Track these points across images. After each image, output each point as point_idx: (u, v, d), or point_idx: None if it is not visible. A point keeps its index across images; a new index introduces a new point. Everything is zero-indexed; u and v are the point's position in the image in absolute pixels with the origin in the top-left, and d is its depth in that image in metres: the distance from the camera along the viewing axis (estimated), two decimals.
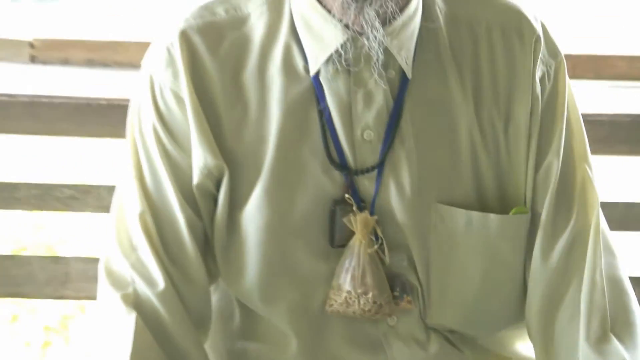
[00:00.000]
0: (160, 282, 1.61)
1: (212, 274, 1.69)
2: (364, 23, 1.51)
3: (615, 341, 1.60)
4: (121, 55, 2.88)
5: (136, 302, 1.61)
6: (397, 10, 1.55)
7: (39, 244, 4.34)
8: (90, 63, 2.88)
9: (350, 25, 1.55)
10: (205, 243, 1.66)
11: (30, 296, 3.26)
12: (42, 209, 4.00)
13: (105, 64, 2.90)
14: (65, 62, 2.93)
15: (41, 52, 2.94)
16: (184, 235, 1.63)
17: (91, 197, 2.85)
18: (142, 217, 1.64)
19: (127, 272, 1.64)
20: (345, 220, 1.61)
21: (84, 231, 4.39)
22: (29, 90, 2.85)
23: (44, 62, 2.88)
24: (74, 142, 4.73)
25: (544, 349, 1.67)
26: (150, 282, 1.61)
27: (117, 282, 1.65)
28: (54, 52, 2.94)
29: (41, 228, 4.46)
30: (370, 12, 1.51)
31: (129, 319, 1.59)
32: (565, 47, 1.75)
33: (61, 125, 2.89)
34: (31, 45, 2.97)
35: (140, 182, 1.65)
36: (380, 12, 1.51)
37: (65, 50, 2.97)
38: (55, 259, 3.42)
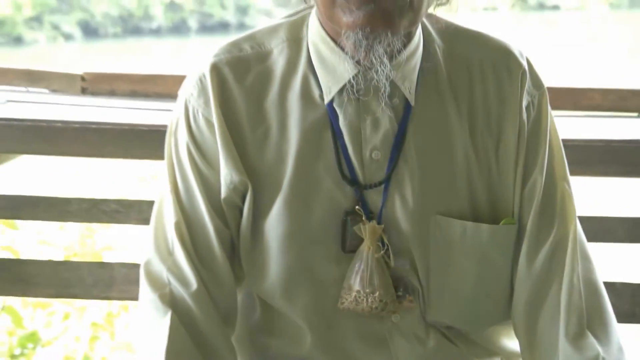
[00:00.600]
0: (193, 283, 1.62)
1: (238, 276, 1.70)
2: (373, 59, 1.52)
3: (590, 337, 1.60)
4: (160, 86, 2.87)
5: (172, 301, 1.62)
6: (402, 47, 1.56)
7: (87, 252, 4.34)
8: (133, 94, 2.88)
9: (361, 60, 1.55)
10: (232, 249, 1.68)
11: (80, 297, 3.26)
12: (90, 221, 3.99)
13: (146, 95, 2.90)
14: (112, 93, 2.93)
15: (91, 84, 2.94)
16: (214, 242, 1.64)
17: (133, 211, 2.85)
18: (177, 226, 1.65)
19: (164, 274, 1.65)
20: (355, 228, 1.62)
21: (127, 240, 4.39)
22: (80, 118, 2.83)
23: (93, 93, 2.88)
24: (118, 163, 4.73)
25: (528, 343, 1.68)
26: (184, 283, 1.63)
27: (155, 283, 1.66)
28: (102, 84, 2.95)
29: (89, 237, 4.45)
30: (379, 50, 1.51)
31: (166, 316, 1.61)
32: (547, 80, 1.75)
33: (108, 148, 2.89)
34: (82, 78, 2.98)
35: (175, 196, 1.67)
36: (387, 49, 1.52)
37: (111, 83, 2.98)
38: (102, 265, 3.41)
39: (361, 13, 1.48)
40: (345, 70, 1.58)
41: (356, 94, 1.59)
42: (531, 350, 1.67)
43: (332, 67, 1.59)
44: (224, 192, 1.64)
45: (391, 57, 1.55)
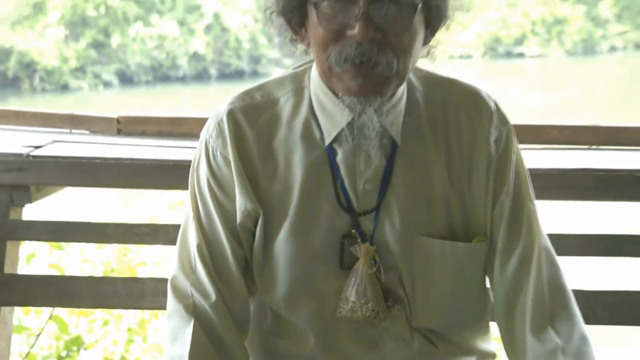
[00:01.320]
0: (212, 296, 1.64)
1: (251, 289, 1.71)
2: (365, 117, 1.54)
3: (551, 331, 1.63)
4: (184, 127, 2.89)
5: (194, 311, 1.64)
6: (390, 99, 1.57)
7: (122, 268, 4.33)
8: (161, 134, 2.89)
9: (355, 118, 1.57)
10: (246, 266, 1.68)
11: (116, 307, 3.28)
12: (125, 242, 3.99)
13: (172, 134, 2.91)
14: (143, 133, 2.94)
15: (125, 126, 2.95)
16: (230, 261, 1.65)
17: (161, 233, 2.85)
18: (199, 247, 1.66)
19: (187, 288, 1.66)
20: (351, 249, 1.64)
21: (156, 258, 4.39)
22: (116, 155, 2.83)
23: (127, 133, 2.89)
24: (148, 192, 4.72)
25: (508, 340, 1.70)
26: (205, 295, 1.64)
27: (180, 295, 1.67)
28: (134, 126, 2.95)
29: (124, 255, 4.45)
30: (370, 110, 1.55)
31: (190, 324, 1.62)
32: (512, 117, 1.76)
33: (139, 180, 2.90)
34: (118, 121, 2.99)
35: (198, 221, 1.68)
36: (377, 108, 1.54)
37: (142, 124, 2.98)
38: (135, 279, 3.41)
39: (354, 84, 1.50)
40: (342, 116, 1.59)
41: (352, 137, 1.60)
42: (511, 346, 1.69)
43: (331, 113, 1.61)
44: (239, 218, 1.65)
45: (380, 109, 1.57)
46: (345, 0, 1.48)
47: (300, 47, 1.63)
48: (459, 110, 1.68)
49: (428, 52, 1.63)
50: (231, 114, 1.67)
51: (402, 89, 1.64)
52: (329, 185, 1.64)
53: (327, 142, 1.63)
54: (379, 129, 1.59)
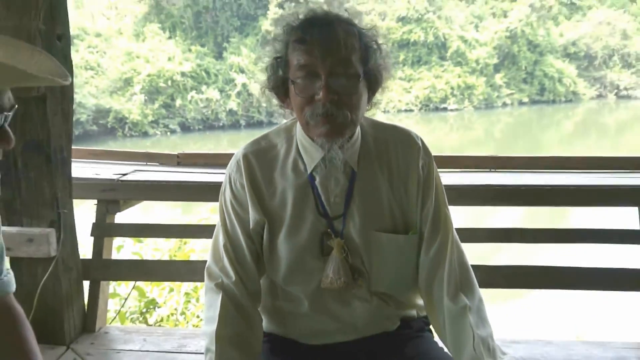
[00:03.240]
0: (233, 277, 1.63)
1: (261, 272, 1.69)
2: (332, 152, 1.55)
3: (462, 295, 1.60)
4: (222, 160, 2.90)
5: (222, 287, 1.63)
6: (349, 139, 1.57)
7: (181, 254, 4.32)
8: (207, 165, 2.92)
9: (325, 153, 1.56)
10: (257, 256, 1.66)
11: (177, 280, 3.26)
12: (183, 237, 3.97)
13: (214, 165, 2.93)
14: (194, 164, 2.97)
15: (182, 160, 2.95)
16: (246, 254, 1.64)
17: (206, 230, 2.84)
18: (225, 245, 1.66)
19: (217, 272, 1.65)
20: (328, 242, 1.61)
21: (205, 247, 4.36)
22: (176, 179, 2.83)
23: (184, 165, 2.91)
24: (199, 204, 4.71)
25: (427, 301, 1.67)
26: (228, 277, 1.63)
27: (212, 277, 1.67)
28: (189, 159, 2.97)
29: (184, 244, 4.44)
30: (335, 147, 1.54)
31: (219, 295, 1.62)
32: (435, 149, 1.75)
33: (192, 196, 2.90)
34: (177, 156, 3.00)
35: (224, 227, 1.67)
36: (340, 145, 1.54)
37: (194, 159, 2.99)
38: (189, 262, 3.40)
39: (323, 129, 1.50)
40: (317, 153, 1.58)
41: (324, 166, 1.59)
42: (430, 306, 1.66)
43: (310, 152, 1.59)
44: (252, 225, 1.64)
45: (342, 147, 1.56)
46: (312, 77, 1.47)
47: (287, 110, 1.62)
48: (397, 146, 1.65)
49: (372, 106, 1.61)
50: (245, 156, 1.65)
51: (357, 132, 1.62)
52: (311, 200, 1.62)
53: (309, 171, 1.61)
54: (342, 160, 1.58)
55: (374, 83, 1.54)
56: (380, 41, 1.54)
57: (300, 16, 1.51)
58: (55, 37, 2.41)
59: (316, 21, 1.48)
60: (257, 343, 1.64)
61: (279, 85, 1.56)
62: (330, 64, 1.45)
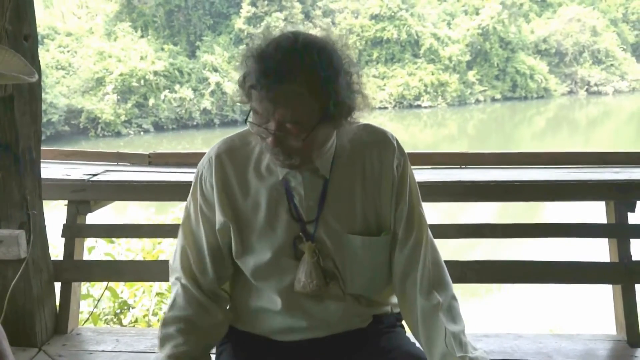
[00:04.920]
0: (188, 276, 1.67)
1: (224, 270, 1.70)
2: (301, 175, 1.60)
3: (435, 293, 1.61)
4: (193, 159, 2.89)
5: (179, 282, 1.67)
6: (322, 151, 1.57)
7: (154, 254, 4.30)
8: (178, 164, 2.89)
9: None
10: (220, 255, 1.67)
11: (150, 280, 3.24)
12: (156, 237, 3.95)
13: (186, 164, 2.91)
14: (166, 164, 2.94)
15: (154, 159, 2.92)
16: (205, 253, 1.67)
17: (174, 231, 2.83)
18: (184, 244, 1.68)
19: (178, 268, 1.68)
20: (300, 246, 1.62)
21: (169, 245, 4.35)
22: (147, 179, 2.81)
23: (155, 164, 2.89)
24: (171, 203, 4.68)
25: (401, 299, 1.67)
26: (184, 275, 1.67)
27: (172, 273, 1.71)
28: (160, 159, 2.94)
29: (158, 244, 4.42)
30: (303, 171, 1.59)
31: (175, 287, 1.68)
32: (409, 147, 1.75)
33: (163, 195, 2.88)
34: (149, 156, 2.97)
35: (187, 225, 1.69)
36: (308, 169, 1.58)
37: (165, 158, 2.97)
38: (162, 261, 3.38)
39: (279, 163, 1.55)
40: None
41: (297, 173, 1.59)
42: (403, 304, 1.67)
43: None
44: (218, 225, 1.63)
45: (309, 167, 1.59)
46: (264, 121, 1.45)
47: None
48: (372, 146, 1.64)
49: (342, 125, 1.55)
50: (218, 157, 1.64)
51: (333, 139, 1.61)
52: (285, 203, 1.61)
53: (281, 176, 1.61)
54: (314, 170, 1.59)
55: (340, 116, 1.50)
56: (352, 65, 1.50)
57: (266, 50, 1.44)
58: (22, 37, 2.38)
59: (270, 74, 1.40)
60: (210, 332, 1.67)
61: (247, 102, 1.52)
62: (278, 120, 1.43)
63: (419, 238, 1.66)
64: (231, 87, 28.96)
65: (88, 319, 3.51)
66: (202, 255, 1.65)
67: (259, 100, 1.43)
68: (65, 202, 2.85)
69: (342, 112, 1.49)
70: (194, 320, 1.63)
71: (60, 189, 2.82)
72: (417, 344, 1.68)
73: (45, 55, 27.49)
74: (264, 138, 1.49)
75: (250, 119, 1.49)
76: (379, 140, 1.66)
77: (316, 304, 1.67)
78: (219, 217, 1.63)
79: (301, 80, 1.40)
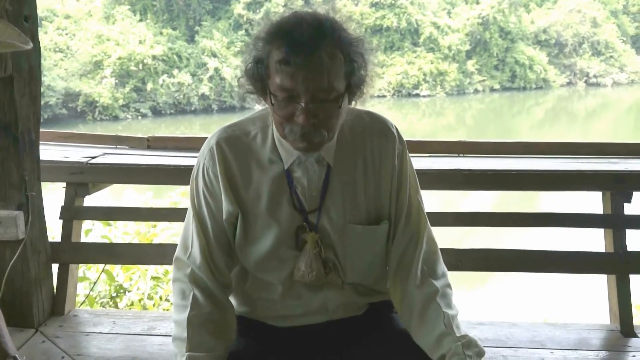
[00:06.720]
0: (203, 266, 1.64)
1: (233, 261, 1.69)
2: (307, 161, 1.59)
3: (431, 280, 1.63)
4: (193, 144, 2.87)
5: (193, 276, 1.65)
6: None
7: (151, 237, 4.30)
8: (177, 148, 2.88)
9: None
10: (228, 245, 1.66)
11: (146, 263, 3.25)
12: (153, 220, 3.95)
13: (184, 148, 2.90)
14: (165, 148, 2.92)
15: (152, 143, 2.91)
16: (216, 244, 1.64)
17: (176, 213, 2.84)
18: (195, 235, 1.66)
19: (186, 261, 1.66)
20: (303, 235, 1.62)
21: (175, 230, 4.34)
22: (146, 162, 2.81)
23: (154, 148, 2.88)
24: (169, 187, 4.67)
25: (394, 289, 1.69)
26: (197, 266, 1.64)
27: (181, 267, 1.68)
28: (159, 143, 2.93)
29: (154, 227, 4.41)
30: (311, 158, 1.58)
31: (188, 285, 1.65)
32: (407, 135, 1.76)
33: (161, 179, 2.88)
34: (147, 139, 2.96)
35: (195, 217, 1.66)
36: (316, 155, 1.57)
37: (164, 142, 2.95)
38: (159, 245, 3.39)
39: (301, 146, 1.50)
40: (294, 151, 1.56)
41: (301, 162, 1.59)
42: (395, 293, 1.68)
43: (287, 148, 1.57)
44: (225, 215, 1.62)
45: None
46: (293, 99, 1.44)
47: (263, 103, 1.60)
48: (373, 134, 1.64)
49: (355, 103, 1.59)
50: (219, 145, 1.62)
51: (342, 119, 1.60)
52: (287, 193, 1.61)
53: (286, 167, 1.60)
54: (318, 158, 1.58)
55: (356, 93, 1.53)
56: (365, 50, 1.51)
57: (287, 25, 1.45)
58: (22, 18, 2.38)
59: (301, 43, 1.41)
60: (230, 330, 1.65)
61: (258, 89, 1.53)
62: (313, 91, 1.42)
63: (417, 226, 1.67)
64: (230, 73, 28.92)
65: (84, 301, 3.53)
66: (213, 245, 1.64)
67: (290, 76, 1.42)
68: (64, 184, 2.86)
69: (361, 89, 1.53)
70: (220, 324, 1.62)
71: (58, 170, 2.83)
72: None
73: (44, 38, 27.33)
74: (288, 121, 1.47)
75: (273, 102, 1.47)
76: (380, 128, 1.67)
77: (314, 292, 1.68)
78: (226, 206, 1.62)
79: (333, 43, 1.43)
